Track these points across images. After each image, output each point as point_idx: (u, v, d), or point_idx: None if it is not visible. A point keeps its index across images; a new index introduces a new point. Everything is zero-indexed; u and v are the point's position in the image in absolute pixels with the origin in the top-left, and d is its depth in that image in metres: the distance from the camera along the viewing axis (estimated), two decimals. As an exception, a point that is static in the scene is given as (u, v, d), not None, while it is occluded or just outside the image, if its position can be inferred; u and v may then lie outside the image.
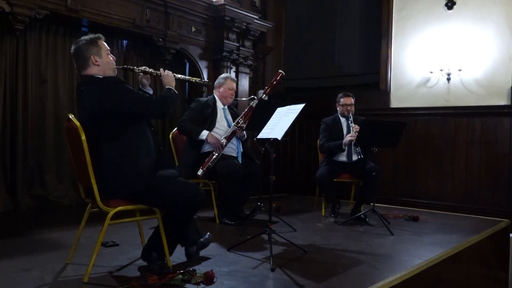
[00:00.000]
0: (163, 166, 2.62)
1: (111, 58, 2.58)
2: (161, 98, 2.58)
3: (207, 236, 2.99)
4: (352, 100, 4.67)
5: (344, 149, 4.57)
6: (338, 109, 4.75)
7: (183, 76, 2.98)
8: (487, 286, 4.38)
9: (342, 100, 4.68)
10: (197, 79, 3.10)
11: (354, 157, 4.53)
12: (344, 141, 4.49)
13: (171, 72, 2.77)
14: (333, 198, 4.71)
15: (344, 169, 4.59)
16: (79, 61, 2.52)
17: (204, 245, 2.95)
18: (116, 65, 2.63)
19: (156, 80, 5.17)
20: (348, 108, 4.62)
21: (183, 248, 2.87)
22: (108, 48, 2.61)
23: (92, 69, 2.51)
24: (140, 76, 2.78)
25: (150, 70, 2.77)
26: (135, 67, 2.81)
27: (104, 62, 2.53)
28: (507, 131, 5.34)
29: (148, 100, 2.54)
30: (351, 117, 4.56)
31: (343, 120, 4.71)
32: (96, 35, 2.56)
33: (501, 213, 5.11)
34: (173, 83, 2.71)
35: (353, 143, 4.40)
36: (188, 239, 2.84)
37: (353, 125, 4.48)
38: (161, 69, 2.77)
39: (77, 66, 2.55)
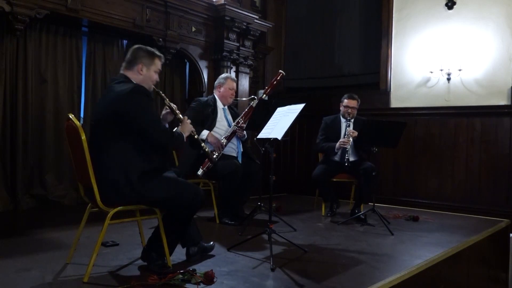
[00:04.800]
0: (165, 169, 2.65)
1: (155, 77, 2.69)
2: (171, 134, 2.64)
3: (211, 243, 3.04)
4: (356, 103, 4.61)
5: (337, 152, 4.54)
6: (340, 109, 4.72)
7: (200, 139, 3.12)
8: (487, 286, 4.38)
9: (345, 102, 4.63)
10: (208, 152, 3.20)
11: (352, 158, 4.45)
12: (336, 145, 4.48)
13: (190, 125, 2.84)
14: (329, 197, 4.72)
15: (341, 169, 4.54)
16: (128, 60, 2.64)
17: (206, 249, 2.98)
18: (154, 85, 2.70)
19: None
20: (349, 110, 4.56)
21: (183, 248, 2.88)
22: (160, 69, 2.72)
23: (133, 73, 2.62)
24: (165, 111, 2.83)
25: (176, 110, 2.83)
26: (166, 98, 2.84)
27: (147, 75, 2.63)
28: (507, 131, 5.34)
29: (160, 126, 2.58)
30: (350, 121, 4.50)
31: (343, 121, 4.67)
32: (159, 54, 2.70)
33: (501, 213, 5.11)
34: (187, 133, 2.79)
35: (347, 148, 4.36)
36: (190, 239, 2.87)
37: (349, 129, 4.43)
38: (185, 117, 2.85)
39: (123, 64, 2.66)
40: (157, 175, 2.54)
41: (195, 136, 3.02)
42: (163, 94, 2.84)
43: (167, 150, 2.69)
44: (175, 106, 2.85)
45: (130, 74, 2.62)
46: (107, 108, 2.49)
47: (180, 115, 2.83)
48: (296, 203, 5.73)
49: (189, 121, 2.84)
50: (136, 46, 2.70)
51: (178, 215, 2.61)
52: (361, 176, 4.40)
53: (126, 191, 2.43)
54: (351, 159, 4.44)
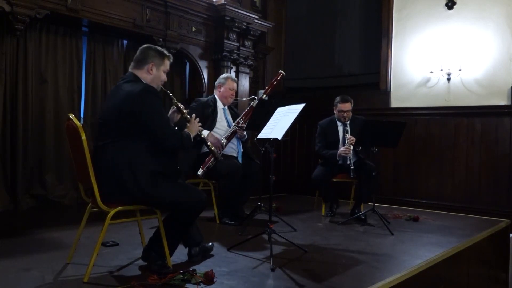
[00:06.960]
0: (178, 174, 2.65)
1: (164, 77, 2.72)
2: (180, 136, 2.62)
3: (210, 244, 3.04)
4: (350, 105, 4.54)
5: (339, 160, 4.49)
6: (335, 112, 4.66)
7: (207, 141, 3.21)
8: (487, 286, 4.38)
9: (339, 106, 4.54)
10: (214, 150, 3.25)
11: (353, 159, 4.38)
12: (338, 153, 4.42)
13: (197, 124, 2.83)
14: (330, 198, 4.71)
15: (342, 170, 4.54)
16: (138, 59, 2.65)
17: (207, 250, 2.98)
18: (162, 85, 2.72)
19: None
20: (345, 114, 4.49)
21: (184, 248, 2.88)
22: (168, 69, 2.75)
23: (143, 73, 2.63)
24: (172, 110, 2.87)
25: (184, 110, 2.84)
26: (174, 98, 2.85)
27: (156, 75, 2.66)
28: (507, 131, 5.34)
29: (169, 129, 2.57)
30: (347, 126, 4.44)
31: (339, 124, 4.61)
32: (168, 54, 2.73)
33: (501, 213, 5.11)
34: (194, 134, 2.78)
35: (348, 155, 4.29)
36: (191, 240, 2.88)
37: (348, 136, 4.36)
38: (193, 116, 2.83)
39: (133, 63, 2.67)
40: (167, 178, 2.54)
41: (201, 136, 3.02)
42: (170, 94, 2.85)
43: (176, 152, 2.67)
44: (182, 105, 2.87)
45: (139, 73, 2.63)
46: (118, 107, 2.48)
47: (188, 115, 2.83)
48: (296, 203, 5.73)
49: (197, 119, 2.83)
50: (146, 45, 2.71)
51: (180, 218, 2.62)
52: (362, 176, 4.40)
53: (134, 190, 2.44)
54: (353, 159, 4.39)
